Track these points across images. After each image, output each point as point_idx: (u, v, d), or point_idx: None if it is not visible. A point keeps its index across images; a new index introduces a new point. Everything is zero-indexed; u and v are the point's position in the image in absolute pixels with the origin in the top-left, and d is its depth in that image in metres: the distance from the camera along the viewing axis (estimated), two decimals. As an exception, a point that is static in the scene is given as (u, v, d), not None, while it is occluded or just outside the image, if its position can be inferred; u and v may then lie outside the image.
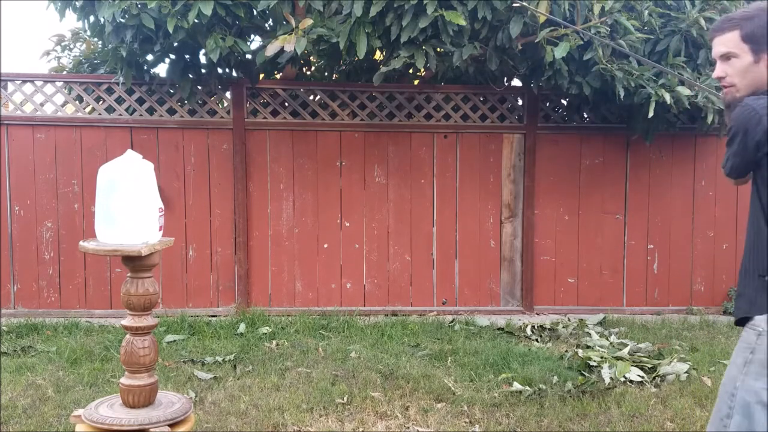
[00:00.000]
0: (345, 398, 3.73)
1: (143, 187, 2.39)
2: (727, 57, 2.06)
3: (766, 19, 2.00)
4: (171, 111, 5.72)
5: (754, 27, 2.00)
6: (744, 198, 6.11)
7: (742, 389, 1.96)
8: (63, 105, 5.73)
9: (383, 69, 4.94)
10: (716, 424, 2.03)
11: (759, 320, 1.96)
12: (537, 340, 5.08)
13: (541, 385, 3.89)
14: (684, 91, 4.93)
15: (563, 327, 5.31)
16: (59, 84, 5.66)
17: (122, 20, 4.77)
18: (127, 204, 2.35)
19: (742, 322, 2.05)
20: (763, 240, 1.98)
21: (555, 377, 4.04)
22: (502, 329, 5.31)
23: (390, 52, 4.98)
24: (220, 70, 5.60)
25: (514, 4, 4.55)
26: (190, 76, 5.47)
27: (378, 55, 5.73)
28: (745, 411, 1.96)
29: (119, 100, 5.67)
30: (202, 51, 5.17)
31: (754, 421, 1.94)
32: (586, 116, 6.15)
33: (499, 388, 3.92)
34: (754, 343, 1.96)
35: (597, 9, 4.69)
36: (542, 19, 4.52)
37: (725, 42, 2.05)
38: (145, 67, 5.43)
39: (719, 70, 2.09)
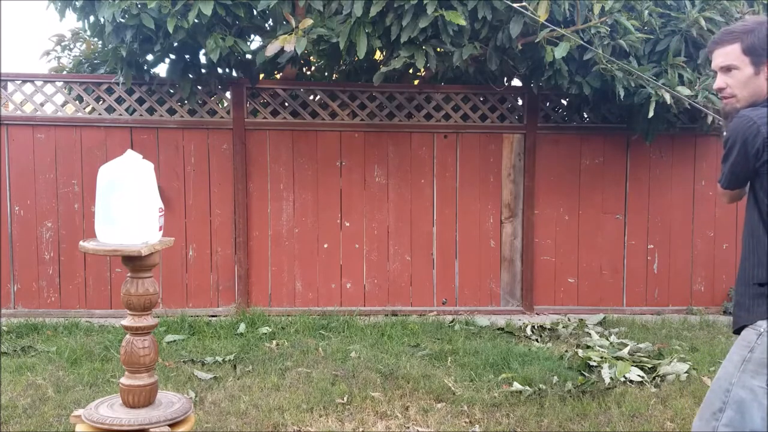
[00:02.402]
0: (345, 398, 3.73)
1: (143, 187, 2.39)
2: (728, 69, 2.11)
3: (765, 32, 2.05)
4: (171, 111, 5.72)
5: (755, 40, 2.06)
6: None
7: (738, 386, 1.99)
8: (63, 105, 5.72)
9: (383, 69, 4.94)
10: (707, 418, 2.05)
11: (760, 321, 1.99)
12: (537, 340, 5.08)
13: (541, 385, 3.89)
14: (684, 91, 4.93)
15: (563, 327, 5.31)
16: (59, 84, 5.66)
17: (122, 20, 4.77)
18: (127, 204, 2.35)
19: (740, 330, 2.07)
20: (762, 249, 2.02)
21: (555, 377, 4.04)
22: (502, 329, 5.31)
23: (390, 52, 4.98)
24: (220, 70, 5.60)
25: (515, 5, 4.55)
26: (190, 76, 5.47)
27: (378, 55, 5.73)
28: (739, 407, 1.99)
29: (119, 100, 5.67)
30: (202, 51, 5.17)
31: (747, 418, 1.97)
32: (586, 116, 6.15)
33: (499, 388, 3.92)
34: (754, 342, 1.99)
35: (597, 9, 4.69)
36: (542, 18, 4.52)
37: (726, 54, 2.11)
38: (145, 67, 5.43)
39: (720, 81, 2.14)
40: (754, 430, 1.95)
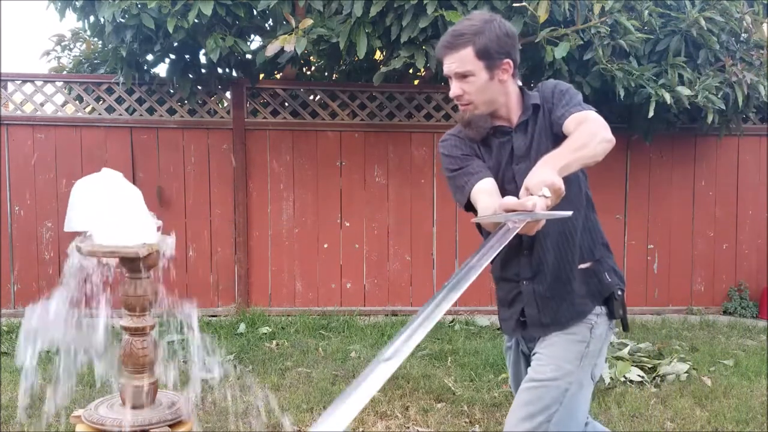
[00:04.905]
0: (345, 398, 3.72)
1: (122, 196, 2.37)
2: (463, 75, 1.93)
3: (496, 32, 1.90)
4: (171, 111, 5.72)
5: (486, 41, 1.89)
6: (745, 198, 6.11)
7: (576, 383, 1.92)
8: (63, 105, 5.72)
9: (383, 69, 4.94)
10: (538, 415, 1.88)
11: (590, 315, 2.00)
12: (537, 340, 5.07)
13: (541, 385, 3.88)
14: (684, 91, 4.92)
15: (563, 327, 5.30)
16: (59, 84, 5.66)
17: (122, 20, 4.77)
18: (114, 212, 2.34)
19: None
20: None
21: (555, 377, 4.04)
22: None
23: (390, 52, 4.98)
24: (220, 70, 5.60)
25: (515, 4, 4.55)
26: (190, 76, 5.47)
27: (378, 55, 5.72)
28: (569, 402, 1.90)
29: (119, 100, 5.67)
30: (202, 51, 5.17)
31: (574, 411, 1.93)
32: (586, 116, 6.13)
33: (499, 388, 3.92)
34: (588, 338, 1.98)
35: (597, 9, 4.69)
36: (542, 18, 4.52)
37: (461, 60, 1.91)
38: (145, 67, 5.43)
39: (456, 89, 1.96)
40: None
